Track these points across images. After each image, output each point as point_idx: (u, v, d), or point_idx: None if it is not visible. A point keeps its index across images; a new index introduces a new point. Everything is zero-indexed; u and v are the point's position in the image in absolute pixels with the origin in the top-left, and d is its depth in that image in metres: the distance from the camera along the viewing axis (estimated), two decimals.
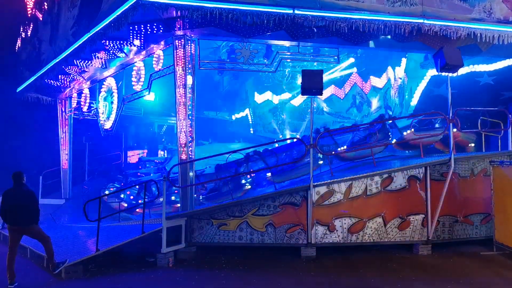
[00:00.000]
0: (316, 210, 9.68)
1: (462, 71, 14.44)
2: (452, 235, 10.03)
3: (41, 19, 16.01)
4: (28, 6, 17.57)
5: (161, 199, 9.97)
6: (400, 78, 18.43)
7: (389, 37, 11.62)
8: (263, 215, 9.95)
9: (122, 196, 13.59)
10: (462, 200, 10.13)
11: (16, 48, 18.89)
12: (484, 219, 10.20)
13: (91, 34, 11.37)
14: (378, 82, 18.80)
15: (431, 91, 17.30)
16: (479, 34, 11.27)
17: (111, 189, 13.44)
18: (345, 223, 9.73)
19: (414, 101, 18.23)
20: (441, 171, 9.98)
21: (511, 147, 11.18)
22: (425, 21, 10.80)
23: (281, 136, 21.43)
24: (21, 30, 18.07)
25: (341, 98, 19.55)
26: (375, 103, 19.41)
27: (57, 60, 13.75)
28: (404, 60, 17.96)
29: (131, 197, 13.27)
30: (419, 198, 9.88)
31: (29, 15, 17.46)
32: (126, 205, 13.28)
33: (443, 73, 9.54)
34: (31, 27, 17.01)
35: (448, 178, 9.54)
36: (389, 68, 18.41)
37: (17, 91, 18.07)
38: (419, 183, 9.90)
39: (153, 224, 10.37)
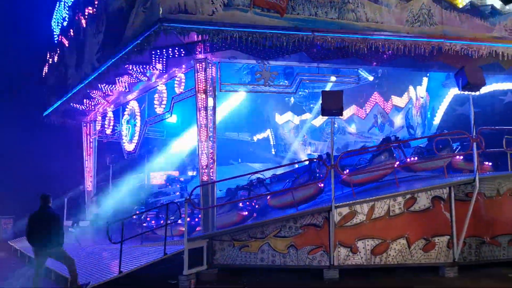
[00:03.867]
0: (338, 232, 9.57)
1: (485, 89, 14.24)
2: (479, 256, 9.75)
3: (67, 45, 16.51)
4: (55, 33, 18.18)
5: (181, 221, 10.00)
6: (422, 97, 18.30)
7: (409, 56, 11.60)
8: (284, 237, 9.89)
9: (142, 218, 13.68)
10: (489, 220, 9.87)
11: (43, 74, 19.45)
12: (511, 240, 9.92)
13: (115, 59, 11.68)
14: (399, 101, 18.69)
15: (454, 110, 17.14)
16: (501, 53, 11.21)
17: (137, 212, 13.57)
18: (368, 245, 9.58)
19: (437, 120, 18.04)
20: (465, 191, 9.77)
21: None
22: (446, 41, 10.78)
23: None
24: (48, 56, 18.63)
25: (363, 118, 19.46)
26: (397, 122, 19.24)
27: (83, 85, 14.12)
28: (425, 79, 17.86)
29: (152, 222, 13.33)
30: (443, 219, 9.67)
31: (56, 42, 18.05)
32: (148, 223, 13.35)
33: (466, 92, 9.45)
34: (57, 54, 17.53)
35: (473, 198, 9.33)
36: (411, 88, 18.30)
37: (44, 115, 18.57)
38: (444, 204, 9.71)
39: (175, 245, 10.39)
